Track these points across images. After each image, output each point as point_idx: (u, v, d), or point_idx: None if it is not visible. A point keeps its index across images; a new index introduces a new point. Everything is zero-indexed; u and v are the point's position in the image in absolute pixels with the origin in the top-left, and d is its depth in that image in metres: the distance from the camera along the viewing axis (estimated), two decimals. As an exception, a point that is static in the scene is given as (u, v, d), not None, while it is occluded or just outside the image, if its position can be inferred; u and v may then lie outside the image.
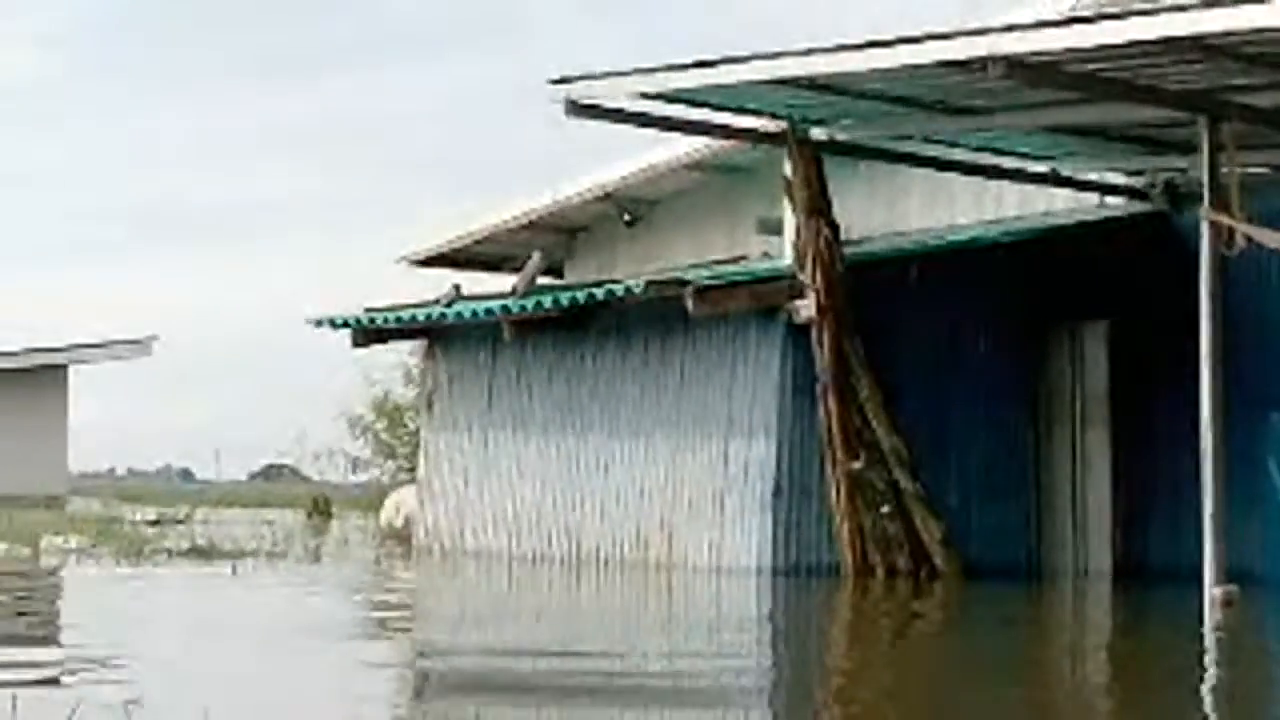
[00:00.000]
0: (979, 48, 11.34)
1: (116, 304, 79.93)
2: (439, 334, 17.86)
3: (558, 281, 19.47)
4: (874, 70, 12.23)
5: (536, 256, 16.15)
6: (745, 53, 12.69)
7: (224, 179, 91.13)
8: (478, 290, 17.98)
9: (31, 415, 37.72)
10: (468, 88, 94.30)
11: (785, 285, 14.32)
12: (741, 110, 14.35)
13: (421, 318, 17.08)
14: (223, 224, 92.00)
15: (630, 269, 19.08)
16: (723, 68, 12.79)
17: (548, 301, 15.44)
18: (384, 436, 31.27)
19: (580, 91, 13.35)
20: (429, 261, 21.95)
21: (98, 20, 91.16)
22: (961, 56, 11.51)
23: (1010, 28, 11.40)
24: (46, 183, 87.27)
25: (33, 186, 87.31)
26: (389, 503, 21.75)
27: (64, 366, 38.37)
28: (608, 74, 13.24)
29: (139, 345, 38.43)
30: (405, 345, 26.57)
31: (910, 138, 15.08)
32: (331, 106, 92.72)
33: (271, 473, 61.08)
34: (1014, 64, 11.38)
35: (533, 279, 15.81)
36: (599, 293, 14.79)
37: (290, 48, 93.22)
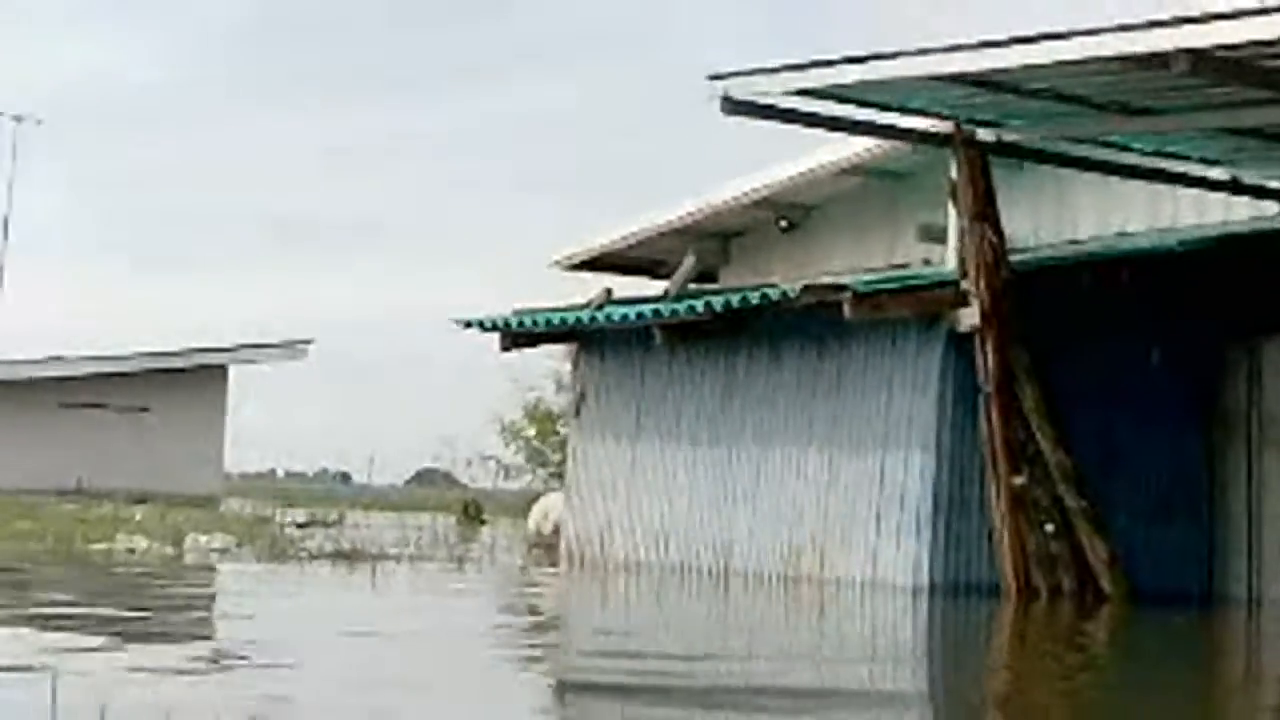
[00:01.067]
0: (1162, 41, 10.70)
1: (275, 309, 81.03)
2: (589, 338, 17.51)
3: (711, 286, 19.03)
4: (1048, 65, 11.64)
5: (690, 259, 15.75)
6: (911, 47, 12.15)
7: (380, 186, 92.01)
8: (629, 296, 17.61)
9: (191, 415, 38.19)
10: (617, 93, 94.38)
11: (948, 292, 13.76)
12: (905, 110, 13.83)
13: (571, 321, 16.74)
14: (379, 230, 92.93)
15: (786, 276, 18.58)
16: (888, 62, 12.28)
17: (700, 305, 15.02)
18: (535, 443, 31.11)
19: (737, 87, 12.92)
20: (581, 266, 21.66)
21: (249, 30, 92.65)
22: (1143, 50, 10.88)
23: (1196, 19, 10.74)
24: (204, 189, 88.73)
25: (192, 193, 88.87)
26: (536, 509, 21.46)
27: (223, 367, 38.82)
28: (766, 69, 12.78)
29: (295, 348, 38.76)
30: (559, 351, 26.34)
31: (1081, 140, 14.45)
32: (482, 114, 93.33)
33: (426, 477, 61.42)
34: (1199, 59, 10.74)
35: (686, 282, 15.42)
36: (753, 297, 14.33)
37: (441, 54, 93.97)
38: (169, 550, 14.46)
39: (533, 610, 11.26)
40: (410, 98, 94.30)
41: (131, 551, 14.16)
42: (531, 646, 8.51)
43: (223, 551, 14.80)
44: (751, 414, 15.72)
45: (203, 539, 15.36)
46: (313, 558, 14.31)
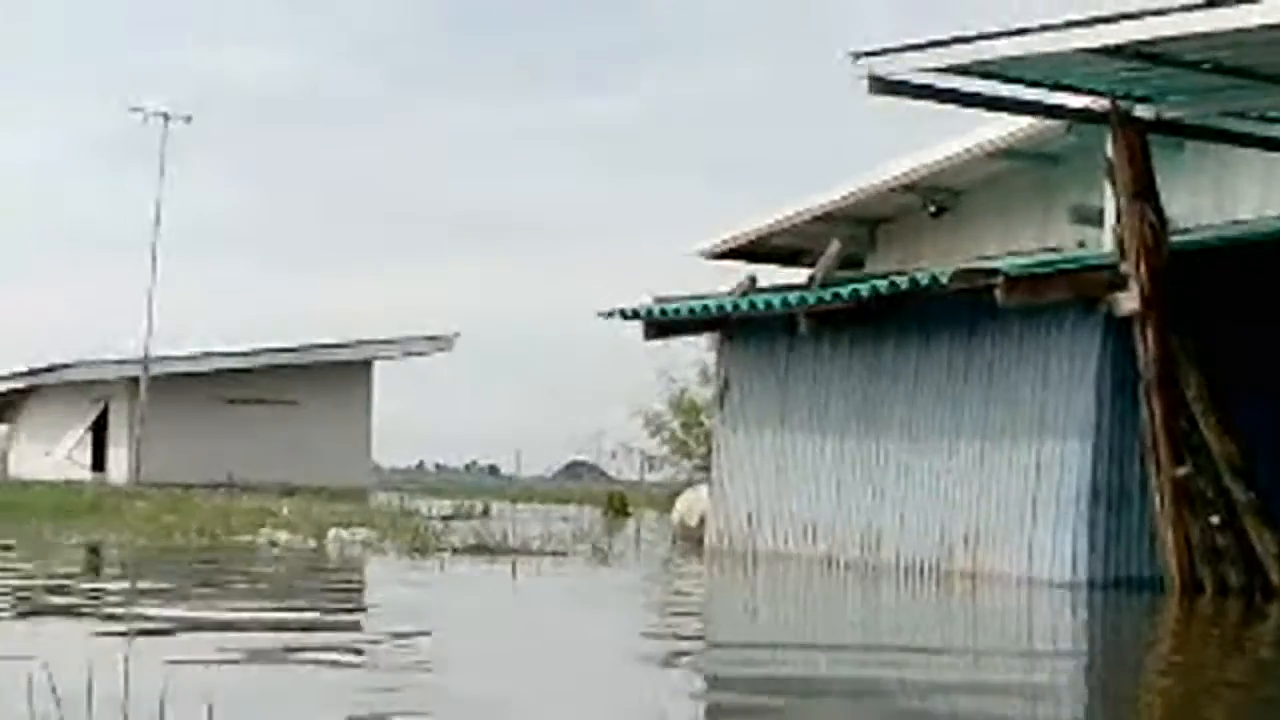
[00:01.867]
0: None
1: (423, 303, 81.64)
2: (733, 327, 17.17)
3: (858, 273, 18.60)
4: (1215, 34, 11.08)
5: (836, 244, 15.35)
6: (1063, 19, 11.65)
7: (524, 179, 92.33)
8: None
9: (339, 409, 38.49)
10: (758, 83, 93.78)
11: (1105, 275, 13.21)
12: (1058, 86, 13.32)
13: (714, 309, 16.42)
14: (524, 223, 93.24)
15: (934, 262, 18.09)
16: (1039, 35, 11.81)
17: (847, 292, 14.61)
18: (680, 434, 30.82)
19: (884, 66, 12.50)
20: (725, 254, 21.32)
21: (410, 29, 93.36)
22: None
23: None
24: (356, 185, 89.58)
25: (351, 190, 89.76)
26: (683, 501, 21.13)
27: (369, 362, 39.06)
28: (911, 45, 12.36)
29: (441, 341, 38.91)
30: (703, 342, 26.02)
31: (1244, 115, 13.83)
32: (626, 106, 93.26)
33: (575, 470, 61.50)
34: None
35: (831, 269, 15.02)
36: (902, 282, 13.90)
37: (589, 50, 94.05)
38: (311, 544, 14.37)
39: (679, 610, 10.95)
40: (554, 92, 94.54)
41: (274, 545, 14.10)
42: (679, 655, 8.21)
43: (365, 545, 14.68)
44: (900, 403, 15.29)
45: (345, 533, 15.26)
46: (454, 551, 14.13)
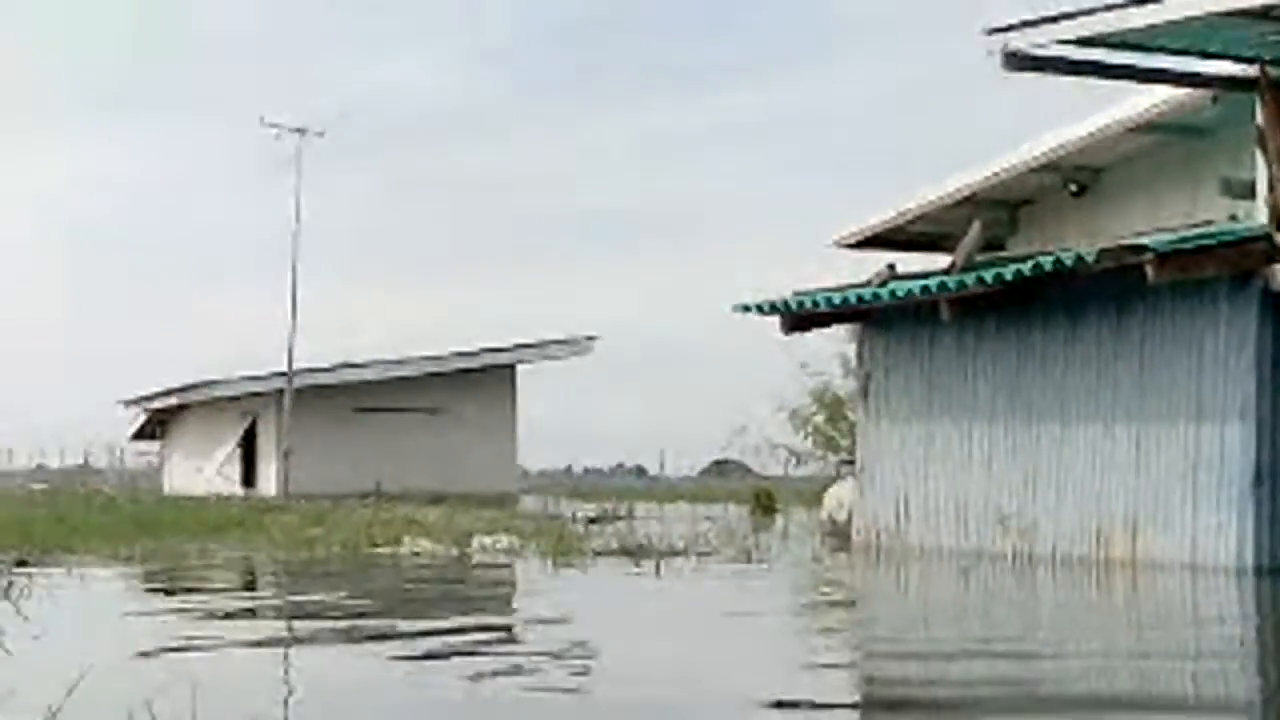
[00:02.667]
0: None
1: (561, 307, 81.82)
2: (873, 317, 16.82)
3: (1000, 255, 18.14)
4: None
5: (976, 227, 14.95)
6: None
7: (654, 180, 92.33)
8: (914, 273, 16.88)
9: (483, 415, 38.59)
10: (886, 73, 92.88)
11: (1261, 247, 12.72)
12: (1201, 54, 12.84)
13: (853, 299, 16.08)
14: (657, 224, 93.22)
15: (1079, 243, 17.59)
16: (1182, 0, 11.34)
17: (989, 276, 14.22)
18: (824, 428, 30.47)
19: (1019, 40, 12.11)
20: (862, 243, 20.90)
21: (538, 35, 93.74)
22: None
23: None
24: (497, 195, 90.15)
25: (484, 199, 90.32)
26: (829, 496, 20.81)
27: (512, 367, 39.12)
28: (1046, 18, 11.95)
29: (580, 344, 38.86)
30: (843, 336, 25.66)
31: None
32: (752, 103, 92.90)
33: (721, 468, 61.26)
34: None
35: (972, 253, 14.63)
36: (1047, 263, 13.49)
37: (713, 51, 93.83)
38: (453, 552, 14.27)
39: (835, 613, 10.66)
40: (679, 93, 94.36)
41: (416, 554, 14.01)
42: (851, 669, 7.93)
43: (507, 551, 14.56)
44: (1049, 388, 14.86)
45: (488, 539, 15.15)
46: (597, 555, 13.95)
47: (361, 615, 8.82)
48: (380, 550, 14.26)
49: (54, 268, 79.60)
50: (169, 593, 10.62)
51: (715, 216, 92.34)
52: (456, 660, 6.84)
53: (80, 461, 50.22)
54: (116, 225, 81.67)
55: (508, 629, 8.71)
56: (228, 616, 8.65)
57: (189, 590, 10.78)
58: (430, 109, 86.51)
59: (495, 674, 6.34)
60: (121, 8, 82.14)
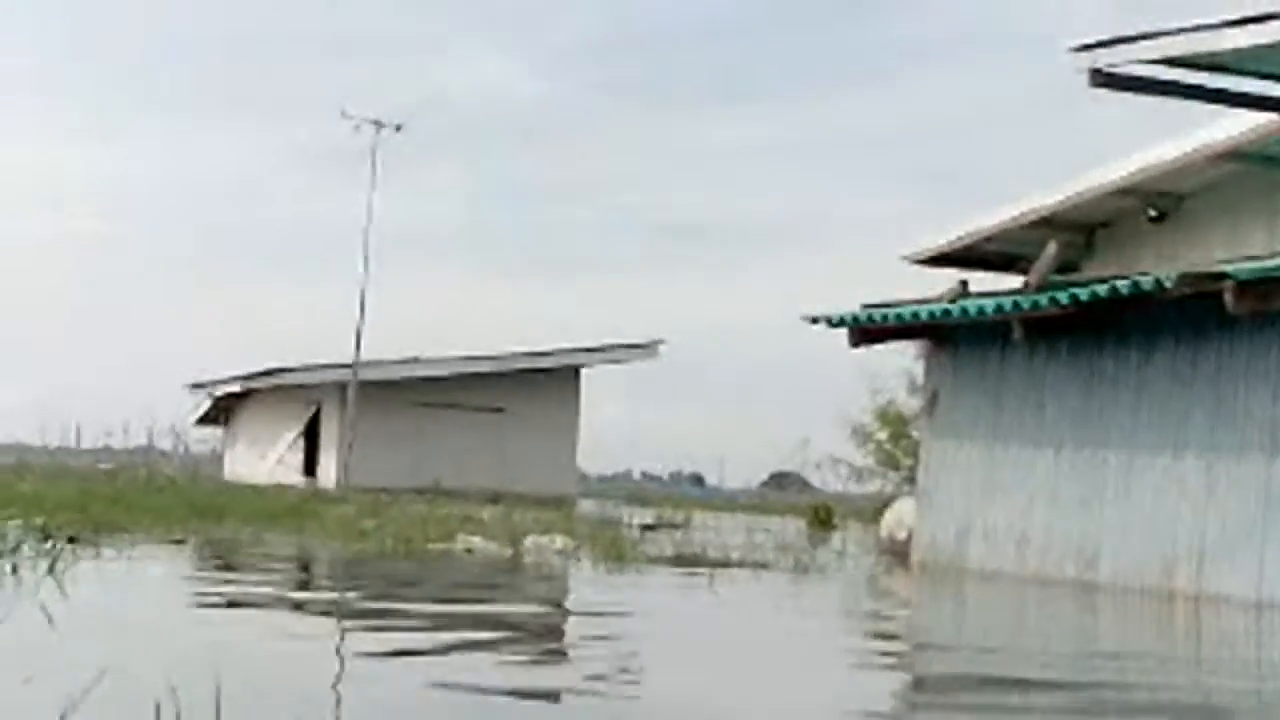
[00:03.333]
0: None
1: (629, 312, 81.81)
2: (942, 334, 16.58)
3: (1075, 278, 17.85)
4: None
5: (1052, 246, 14.70)
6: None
7: (727, 190, 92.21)
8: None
9: (545, 416, 38.52)
10: (963, 91, 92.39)
11: (1345, 279, 12.40)
12: (1294, 79, 12.55)
13: (924, 315, 15.84)
14: (727, 233, 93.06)
15: (1156, 268, 17.29)
16: (1273, 24, 11.06)
17: (1064, 298, 13.96)
18: (887, 446, 30.21)
19: (1106, 58, 11.86)
20: (935, 260, 20.64)
21: (616, 40, 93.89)
22: None
23: None
24: (569, 196, 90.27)
25: (557, 200, 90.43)
26: (889, 514, 20.56)
27: (576, 370, 39.02)
28: (1134, 36, 11.70)
29: (645, 349, 38.73)
30: (910, 353, 25.42)
31: None
32: (828, 116, 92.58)
33: (780, 481, 61.05)
34: None
35: (1047, 274, 14.36)
36: (1124, 287, 13.22)
37: (792, 63, 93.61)
38: (506, 552, 14.13)
39: (887, 631, 10.44)
40: (755, 104, 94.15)
41: (469, 552, 13.87)
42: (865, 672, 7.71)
43: (560, 553, 14.40)
44: (1119, 414, 14.57)
45: (542, 540, 15.00)
46: (651, 562, 13.77)
47: (381, 604, 8.69)
48: (432, 546, 14.13)
49: (129, 254, 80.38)
50: (210, 577, 10.52)
51: (787, 229, 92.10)
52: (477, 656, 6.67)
53: (145, 444, 50.52)
54: (195, 215, 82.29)
55: (548, 631, 8.54)
56: (232, 605, 8.52)
57: (227, 575, 10.68)
58: (507, 109, 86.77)
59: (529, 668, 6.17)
60: (202, 6, 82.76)
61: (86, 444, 48.86)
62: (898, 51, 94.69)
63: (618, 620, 8.92)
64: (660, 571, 12.90)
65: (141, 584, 9.36)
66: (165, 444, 49.59)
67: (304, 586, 10.53)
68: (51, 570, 9.00)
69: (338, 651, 6.66)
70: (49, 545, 10.71)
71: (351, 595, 9.53)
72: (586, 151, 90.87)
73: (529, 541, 14.91)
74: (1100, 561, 14.57)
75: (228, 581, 10.05)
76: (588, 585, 11.61)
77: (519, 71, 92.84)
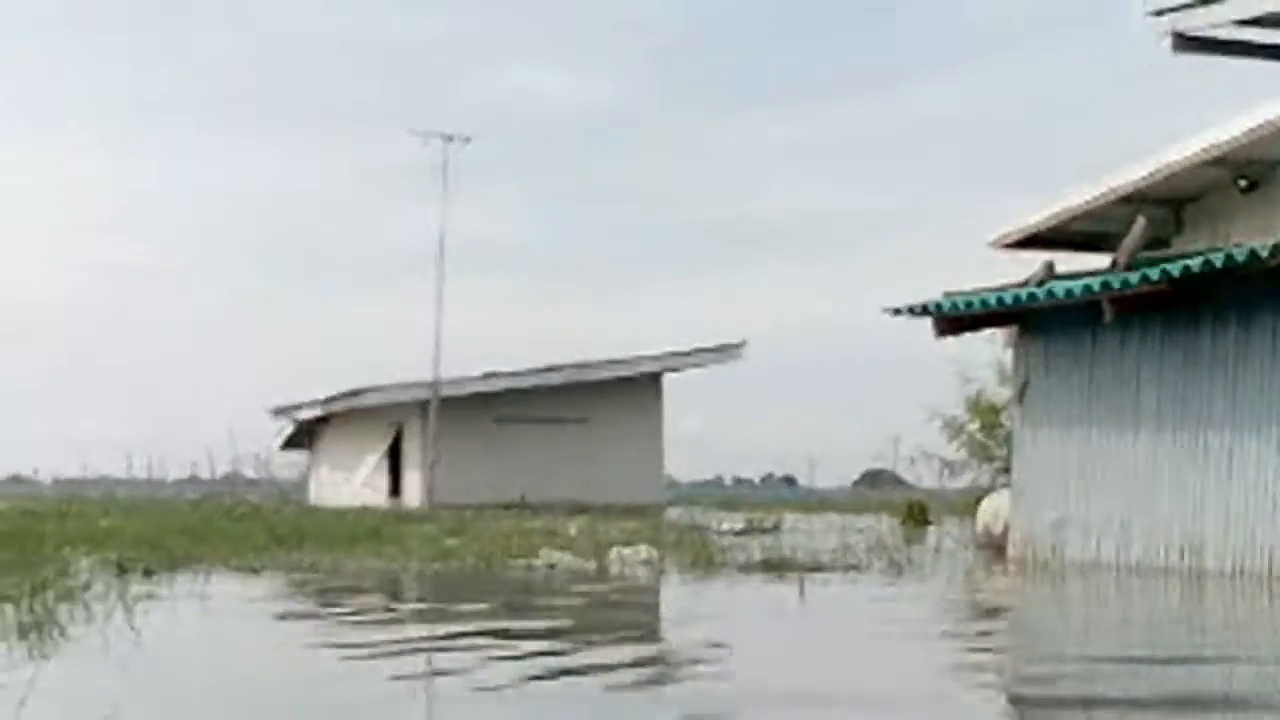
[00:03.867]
0: None
1: (708, 316, 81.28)
2: (1030, 319, 16.05)
3: (1165, 253, 17.26)
4: None
5: (1141, 222, 14.16)
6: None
7: (803, 188, 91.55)
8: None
9: (629, 425, 38.13)
10: (1034, 75, 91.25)
11: None
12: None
13: (1009, 300, 15.34)
14: (808, 232, 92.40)
15: (1250, 240, 16.67)
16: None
17: (1155, 274, 13.43)
18: (979, 437, 29.58)
19: (1186, 20, 11.34)
20: (1020, 244, 20.07)
21: (684, 42, 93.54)
22: None
23: None
24: (642, 203, 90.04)
25: (630, 207, 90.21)
26: (985, 508, 20.00)
27: (658, 376, 38.61)
28: (1218, -3, 11.18)
29: (730, 351, 38.25)
30: (998, 341, 24.86)
31: None
32: (898, 113, 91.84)
33: (873, 479, 60.50)
34: None
35: (1136, 250, 13.83)
36: (1217, 259, 12.68)
37: (855, 60, 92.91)
38: (590, 565, 13.75)
39: (997, 637, 9.96)
40: (823, 101, 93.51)
41: (551, 568, 13.52)
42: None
43: (646, 564, 14.02)
44: (1219, 394, 14.01)
45: (626, 551, 14.62)
46: (739, 569, 13.35)
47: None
48: (515, 561, 13.79)
49: (203, 281, 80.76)
50: (280, 611, 10.21)
51: (864, 224, 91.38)
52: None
53: (230, 472, 50.62)
54: (265, 237, 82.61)
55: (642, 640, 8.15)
56: (323, 645, 8.19)
57: (300, 607, 10.37)
58: (577, 116, 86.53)
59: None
60: (271, 20, 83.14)
61: (173, 475, 49.02)
62: (967, 37, 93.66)
63: (706, 662, 8.50)
64: (749, 580, 12.48)
65: (210, 618, 9.05)
66: (250, 471, 49.72)
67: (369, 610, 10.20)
68: (122, 607, 8.73)
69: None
70: (121, 580, 10.47)
71: (413, 610, 9.18)
72: (658, 155, 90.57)
73: (613, 553, 14.54)
74: (1206, 548, 14.01)
75: (303, 616, 9.74)
76: (671, 603, 11.22)
77: (582, 80, 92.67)
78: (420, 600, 10.98)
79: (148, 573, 11.64)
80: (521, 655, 7.12)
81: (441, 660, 7.16)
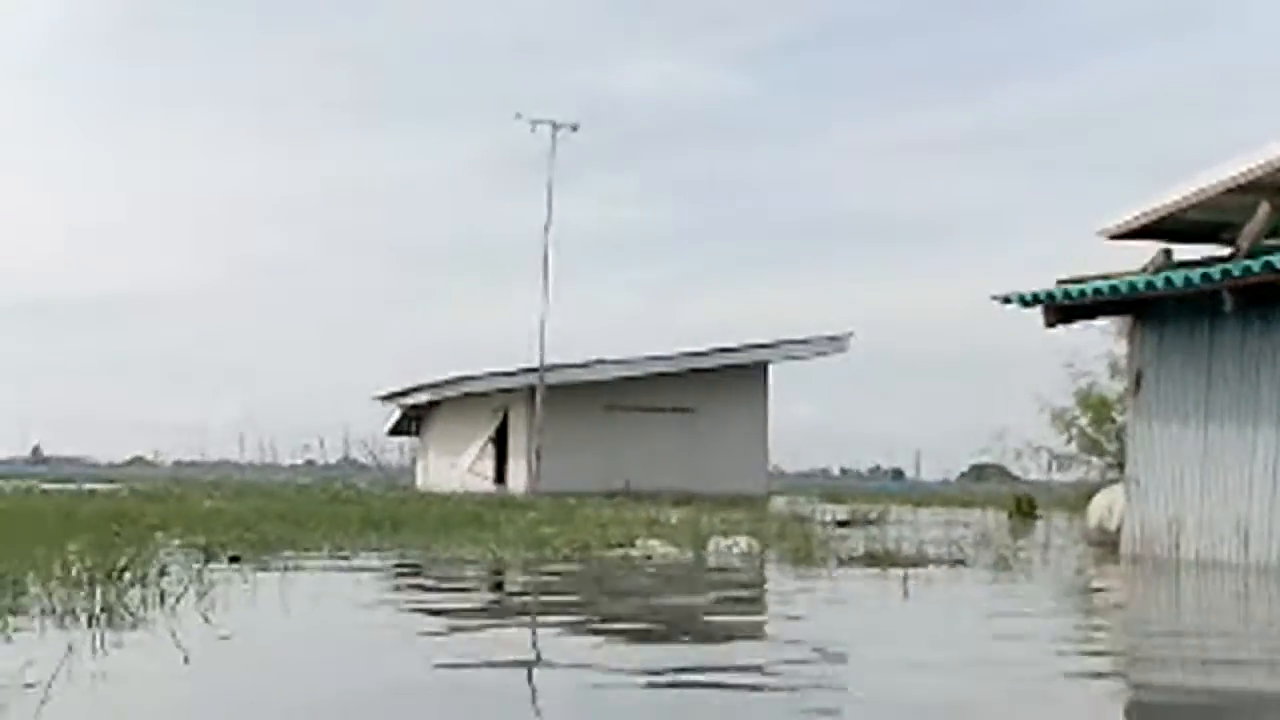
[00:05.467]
0: None
1: (815, 307, 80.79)
2: (1145, 309, 15.52)
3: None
4: None
5: (1264, 209, 13.61)
6: None
7: (911, 181, 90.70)
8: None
9: (734, 414, 37.77)
10: (1135, 71, 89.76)
11: None
12: None
13: (1124, 289, 14.82)
14: (912, 225, 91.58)
15: (1378, 228, 16.03)
16: None
17: (1279, 262, 12.86)
18: (1089, 431, 28.94)
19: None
20: (1133, 234, 19.49)
21: (793, 38, 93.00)
22: None
23: None
24: (747, 195, 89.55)
25: (735, 199, 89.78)
26: (1097, 503, 19.46)
27: (764, 366, 38.18)
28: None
29: (835, 342, 37.79)
30: (1110, 332, 24.26)
31: None
32: (1005, 109, 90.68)
33: (981, 472, 59.76)
34: None
35: (1259, 237, 13.28)
36: (1345, 247, 12.11)
37: (964, 57, 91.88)
38: (687, 555, 13.44)
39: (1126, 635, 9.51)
40: (931, 99, 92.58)
41: (647, 558, 13.21)
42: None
43: (745, 555, 13.68)
44: (1345, 388, 13.42)
45: (725, 542, 14.28)
46: (841, 562, 12.97)
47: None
48: (610, 552, 13.50)
49: (313, 267, 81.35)
50: (362, 599, 9.97)
51: (973, 217, 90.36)
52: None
53: (342, 456, 50.86)
54: (379, 225, 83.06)
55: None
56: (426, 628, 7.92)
57: (384, 596, 10.13)
58: (687, 109, 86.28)
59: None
60: (377, 14, 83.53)
61: (286, 460, 49.35)
62: (1080, 36, 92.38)
63: (807, 664, 8.15)
64: (851, 574, 12.09)
65: (287, 608, 8.81)
66: (360, 456, 49.93)
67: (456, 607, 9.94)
68: (199, 594, 8.52)
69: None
70: (205, 565, 10.29)
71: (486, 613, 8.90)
72: (767, 148, 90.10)
73: (712, 544, 14.21)
74: (1330, 547, 13.45)
75: (380, 604, 9.48)
76: (760, 602, 10.86)
77: (696, 71, 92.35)
78: (513, 594, 10.70)
79: (234, 559, 11.47)
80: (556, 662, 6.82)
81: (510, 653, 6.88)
